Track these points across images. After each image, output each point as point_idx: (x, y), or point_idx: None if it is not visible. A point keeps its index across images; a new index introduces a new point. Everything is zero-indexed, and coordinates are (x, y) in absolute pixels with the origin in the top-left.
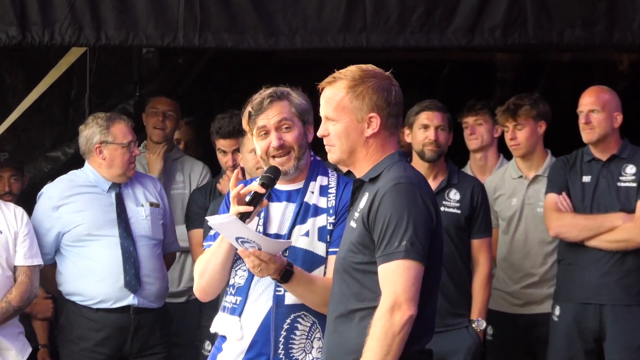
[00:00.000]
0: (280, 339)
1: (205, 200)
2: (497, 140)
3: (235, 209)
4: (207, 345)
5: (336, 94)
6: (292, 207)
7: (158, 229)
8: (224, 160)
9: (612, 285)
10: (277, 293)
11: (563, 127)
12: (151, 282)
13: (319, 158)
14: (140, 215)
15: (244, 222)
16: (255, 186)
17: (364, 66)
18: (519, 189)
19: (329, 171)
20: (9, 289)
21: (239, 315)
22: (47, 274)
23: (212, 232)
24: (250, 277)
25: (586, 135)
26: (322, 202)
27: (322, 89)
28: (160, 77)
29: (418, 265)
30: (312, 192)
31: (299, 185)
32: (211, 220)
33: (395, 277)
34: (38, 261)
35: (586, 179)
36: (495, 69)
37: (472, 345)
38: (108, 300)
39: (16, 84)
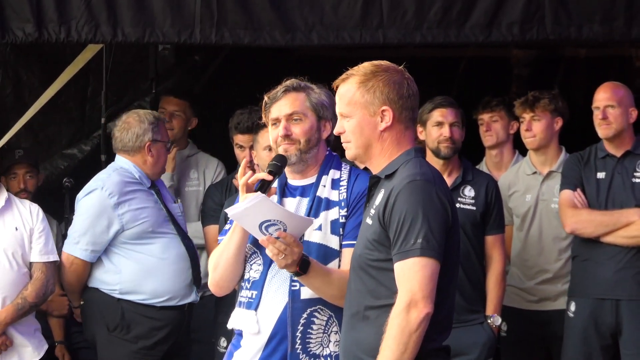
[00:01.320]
0: (297, 333)
1: (222, 196)
2: (512, 137)
3: (244, 196)
4: (223, 342)
5: (349, 90)
6: (305, 202)
7: (185, 224)
8: (242, 155)
9: (628, 281)
10: (292, 288)
11: (579, 123)
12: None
13: (335, 153)
14: (178, 212)
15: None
16: (263, 174)
17: (376, 62)
18: (533, 185)
19: (342, 164)
20: (24, 285)
21: (255, 310)
22: (85, 270)
23: (227, 227)
24: (266, 271)
25: (602, 131)
26: (334, 195)
27: (337, 87)
28: (177, 74)
29: (434, 263)
30: (324, 186)
31: (311, 180)
32: (231, 210)
33: (412, 275)
34: (54, 257)
35: (601, 175)
36: (511, 65)
37: (487, 341)
38: (175, 298)
39: (33, 81)
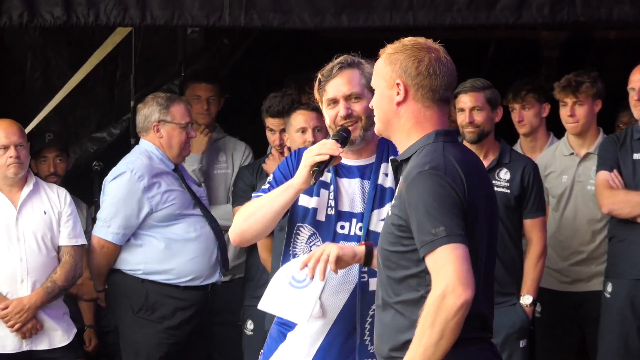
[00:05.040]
0: (366, 325)
1: (252, 178)
2: (545, 120)
3: (312, 159)
4: (250, 324)
5: (379, 62)
6: (364, 185)
7: None
8: (272, 138)
9: None
10: (361, 280)
11: (609, 105)
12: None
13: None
14: (203, 195)
15: (318, 177)
16: (332, 147)
17: (415, 38)
18: (569, 166)
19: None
20: (53, 269)
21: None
22: (115, 252)
23: (265, 186)
24: None
25: (638, 112)
26: None
27: None
28: (205, 57)
29: (462, 247)
30: (386, 175)
31: (367, 160)
32: (262, 304)
33: (444, 263)
34: (82, 241)
35: (637, 156)
36: (541, 47)
37: (518, 322)
38: (199, 278)
39: (61, 65)
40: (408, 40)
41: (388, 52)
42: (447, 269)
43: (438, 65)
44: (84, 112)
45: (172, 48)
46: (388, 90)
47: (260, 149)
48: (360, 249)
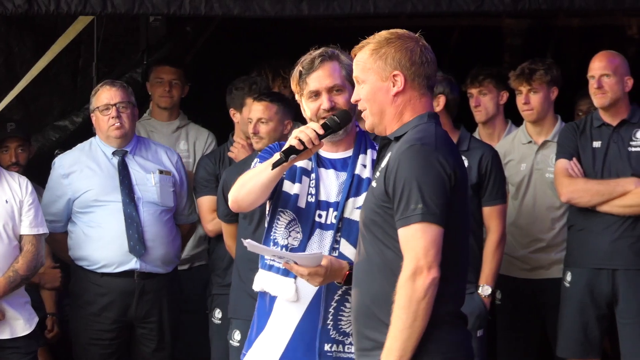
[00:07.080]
0: (330, 309)
1: (215, 167)
2: (503, 107)
3: (289, 141)
4: (218, 313)
5: (362, 57)
6: (342, 177)
7: (168, 197)
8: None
9: (624, 251)
10: None
11: (572, 93)
12: (156, 247)
13: (363, 129)
14: (150, 183)
15: (278, 163)
16: (315, 125)
17: (393, 30)
18: (528, 154)
19: (375, 144)
20: (15, 258)
21: (295, 278)
22: (61, 241)
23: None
24: (305, 239)
25: (598, 100)
26: None
27: (355, 56)
28: (168, 45)
29: (436, 228)
30: (364, 166)
31: (344, 154)
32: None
33: (414, 242)
34: (43, 230)
35: (596, 144)
36: (503, 34)
37: (475, 311)
38: (111, 265)
39: (24, 53)
40: (387, 32)
41: (372, 48)
42: (417, 248)
43: (427, 53)
44: (47, 100)
45: (135, 36)
46: (382, 82)
47: (223, 135)
48: (341, 275)
